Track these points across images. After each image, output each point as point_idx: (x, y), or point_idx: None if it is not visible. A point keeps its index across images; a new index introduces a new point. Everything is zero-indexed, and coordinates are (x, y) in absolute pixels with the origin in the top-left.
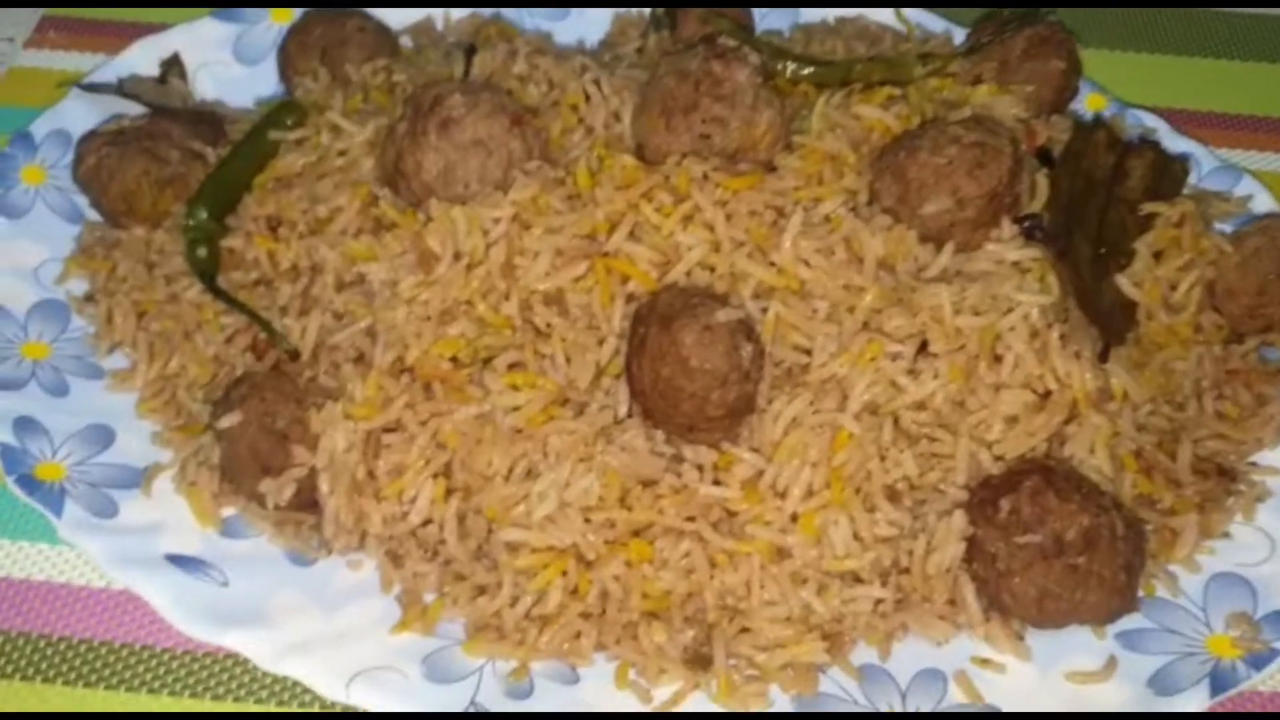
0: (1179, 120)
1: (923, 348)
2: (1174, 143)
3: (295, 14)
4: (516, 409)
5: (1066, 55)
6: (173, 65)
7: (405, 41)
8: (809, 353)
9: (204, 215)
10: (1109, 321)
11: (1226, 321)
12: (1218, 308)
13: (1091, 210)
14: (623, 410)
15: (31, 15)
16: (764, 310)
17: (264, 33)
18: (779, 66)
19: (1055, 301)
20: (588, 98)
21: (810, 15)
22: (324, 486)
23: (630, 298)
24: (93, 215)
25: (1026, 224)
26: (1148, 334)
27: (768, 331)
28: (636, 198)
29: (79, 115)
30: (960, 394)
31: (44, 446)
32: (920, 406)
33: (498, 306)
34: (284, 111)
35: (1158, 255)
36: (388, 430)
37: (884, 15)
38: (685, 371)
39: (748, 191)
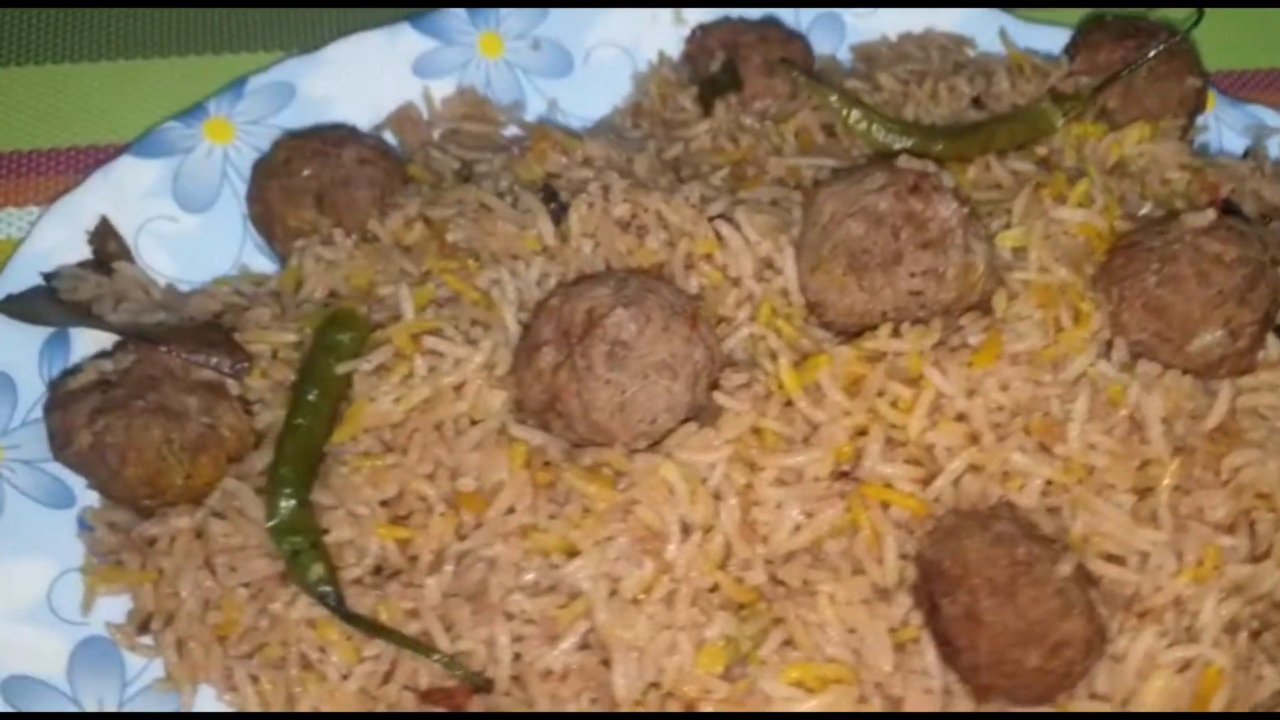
0: None
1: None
2: None
3: (235, 131)
4: None
5: (1199, 69)
6: (106, 238)
7: (387, 138)
8: (1117, 560)
9: (290, 505)
10: None
11: None
12: None
13: None
14: (936, 682)
15: None
16: (1050, 512)
17: (205, 163)
18: (900, 141)
19: None
20: (720, 238)
21: (867, 30)
22: None
23: (897, 527)
24: (88, 494)
25: None
26: None
27: (1075, 546)
28: (873, 399)
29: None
30: None
31: None
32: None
33: (742, 577)
34: (336, 328)
35: None
36: None
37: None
38: (1048, 651)
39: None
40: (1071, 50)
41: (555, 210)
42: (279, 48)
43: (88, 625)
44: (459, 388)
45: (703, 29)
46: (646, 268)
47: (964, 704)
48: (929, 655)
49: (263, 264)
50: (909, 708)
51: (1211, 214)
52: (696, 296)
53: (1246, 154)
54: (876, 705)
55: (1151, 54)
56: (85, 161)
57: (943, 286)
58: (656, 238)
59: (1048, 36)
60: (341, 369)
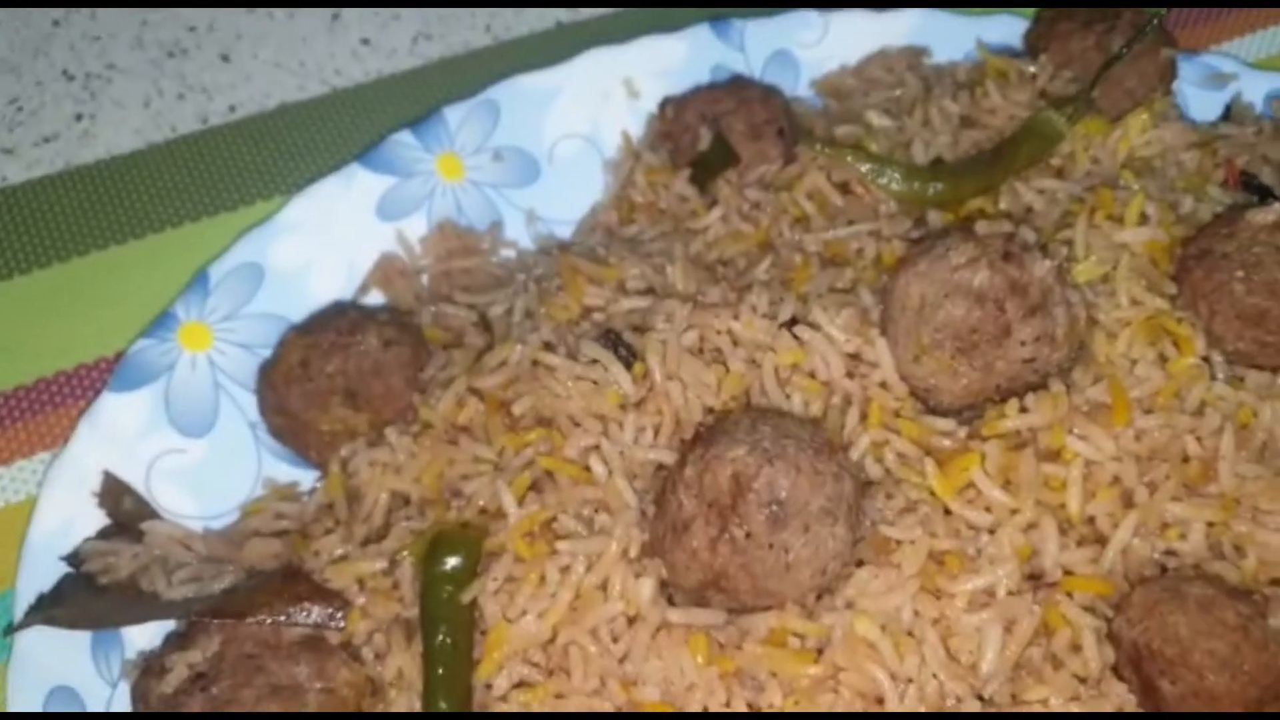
0: None
1: None
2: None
3: (213, 333)
4: None
5: (1170, 39)
6: (119, 496)
7: (375, 298)
8: None
9: None
10: None
11: None
12: None
13: None
14: None
15: None
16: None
17: (192, 378)
18: (931, 186)
19: None
20: (800, 341)
21: (821, 61)
22: None
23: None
24: None
25: None
26: None
27: (1249, 580)
28: (1034, 487)
29: (50, 655)
30: None
31: None
32: None
33: (957, 711)
34: (444, 552)
35: None
36: None
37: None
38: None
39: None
40: (1034, 42)
41: (624, 356)
42: (211, 213)
43: None
44: (603, 585)
45: (673, 103)
46: (737, 395)
47: None
48: None
49: (285, 471)
50: None
51: (1277, 209)
52: (815, 420)
53: (1227, 113)
54: None
55: (1136, 36)
56: (51, 394)
57: (1055, 347)
58: (736, 358)
59: (996, 29)
60: (466, 597)
